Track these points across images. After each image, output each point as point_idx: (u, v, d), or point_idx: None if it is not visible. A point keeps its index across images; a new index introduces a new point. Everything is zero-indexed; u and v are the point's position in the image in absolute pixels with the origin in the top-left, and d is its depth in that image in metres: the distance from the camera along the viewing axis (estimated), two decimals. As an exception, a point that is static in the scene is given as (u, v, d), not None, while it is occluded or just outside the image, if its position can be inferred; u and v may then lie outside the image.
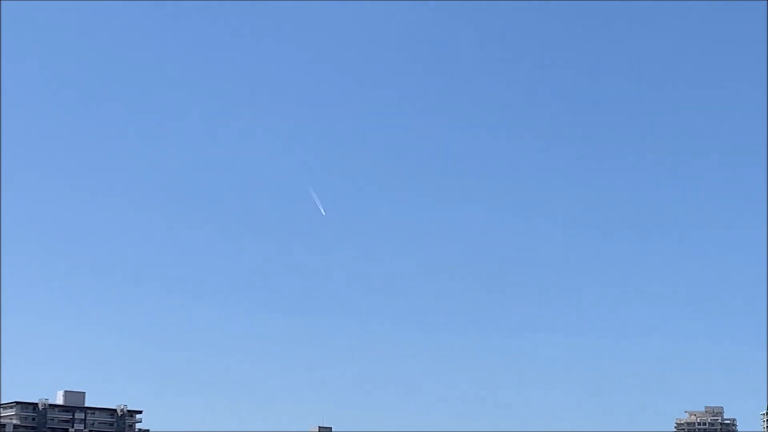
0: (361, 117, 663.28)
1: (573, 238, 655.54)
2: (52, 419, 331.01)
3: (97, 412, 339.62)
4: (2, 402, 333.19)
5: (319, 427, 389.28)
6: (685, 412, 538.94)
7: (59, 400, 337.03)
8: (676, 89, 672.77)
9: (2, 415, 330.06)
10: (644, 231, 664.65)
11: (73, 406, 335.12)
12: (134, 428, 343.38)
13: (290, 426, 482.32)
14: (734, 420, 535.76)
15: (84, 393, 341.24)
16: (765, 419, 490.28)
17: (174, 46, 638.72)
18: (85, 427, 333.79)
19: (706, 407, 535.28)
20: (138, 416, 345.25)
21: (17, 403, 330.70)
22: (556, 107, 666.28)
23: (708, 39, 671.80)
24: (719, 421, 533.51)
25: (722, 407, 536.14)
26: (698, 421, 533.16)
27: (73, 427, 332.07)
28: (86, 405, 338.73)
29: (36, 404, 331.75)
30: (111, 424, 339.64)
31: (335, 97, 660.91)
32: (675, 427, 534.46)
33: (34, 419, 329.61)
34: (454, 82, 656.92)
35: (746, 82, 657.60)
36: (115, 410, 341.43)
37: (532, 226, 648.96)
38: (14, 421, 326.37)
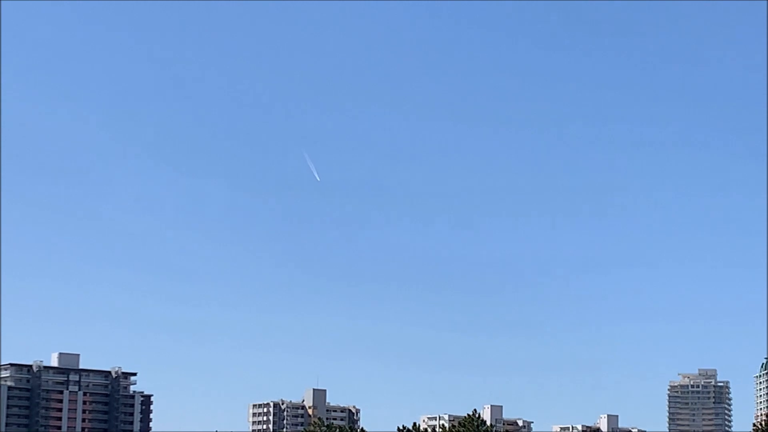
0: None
1: (569, 209, 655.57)
2: (47, 381, 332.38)
3: (91, 374, 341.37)
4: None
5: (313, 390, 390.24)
6: (679, 374, 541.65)
7: (54, 362, 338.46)
8: (676, 88, 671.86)
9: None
10: (639, 192, 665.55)
11: (68, 368, 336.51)
12: (129, 390, 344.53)
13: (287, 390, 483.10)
14: (727, 382, 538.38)
15: (78, 355, 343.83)
16: (758, 381, 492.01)
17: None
18: (79, 389, 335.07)
19: (699, 370, 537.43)
20: (132, 378, 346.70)
21: (12, 365, 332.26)
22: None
23: (708, 39, 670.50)
24: (712, 383, 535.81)
25: (716, 370, 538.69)
26: (692, 383, 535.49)
27: (67, 389, 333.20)
28: (81, 367, 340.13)
29: (30, 366, 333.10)
30: (105, 386, 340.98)
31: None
32: (668, 390, 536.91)
33: (28, 381, 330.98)
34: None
35: (746, 81, 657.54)
36: (109, 372, 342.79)
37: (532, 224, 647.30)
38: (9, 383, 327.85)
